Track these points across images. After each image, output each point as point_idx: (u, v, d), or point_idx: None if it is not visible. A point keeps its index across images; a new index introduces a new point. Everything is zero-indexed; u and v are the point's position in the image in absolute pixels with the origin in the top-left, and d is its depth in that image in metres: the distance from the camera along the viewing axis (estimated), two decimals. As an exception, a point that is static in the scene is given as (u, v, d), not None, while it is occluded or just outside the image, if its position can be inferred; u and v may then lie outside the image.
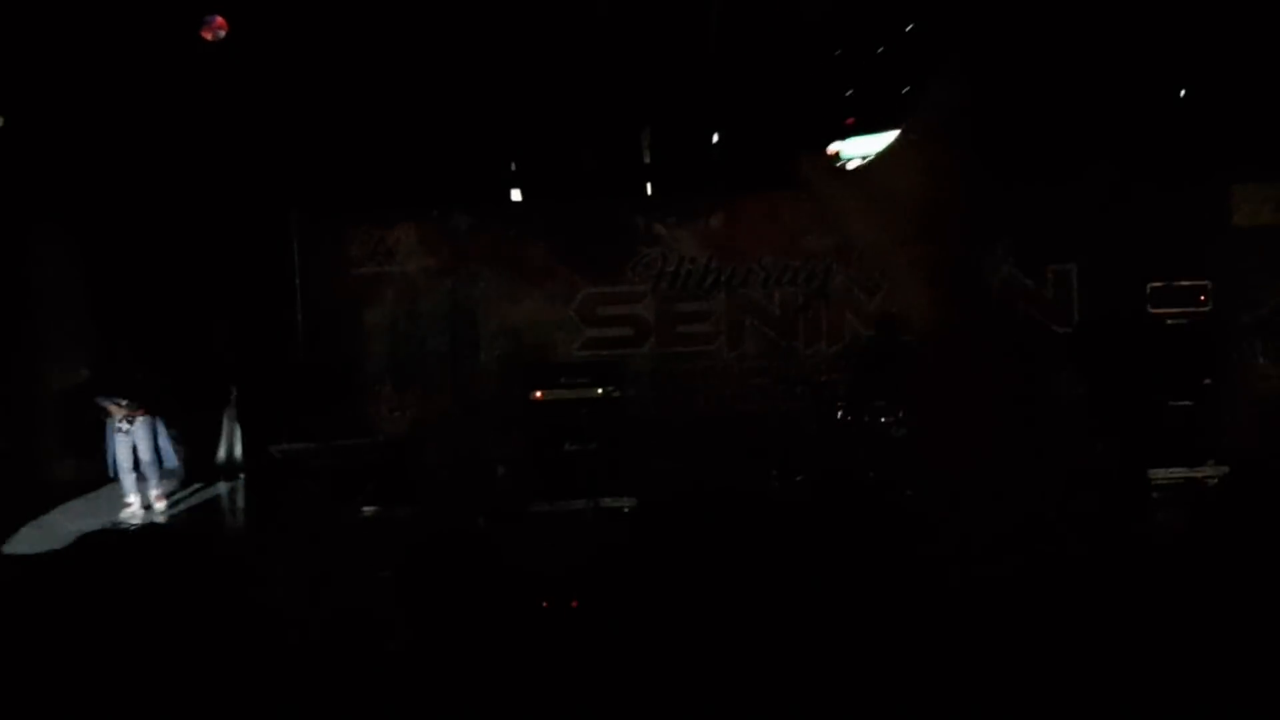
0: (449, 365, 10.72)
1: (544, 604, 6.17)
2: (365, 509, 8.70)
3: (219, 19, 7.30)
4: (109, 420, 9.24)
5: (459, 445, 10.40)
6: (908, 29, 8.29)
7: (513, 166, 10.61)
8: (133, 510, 9.22)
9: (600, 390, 9.30)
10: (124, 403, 9.11)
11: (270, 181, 10.19)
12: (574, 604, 6.22)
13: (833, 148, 8.07)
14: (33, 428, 9.90)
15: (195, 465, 10.25)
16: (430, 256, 10.82)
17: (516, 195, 10.69)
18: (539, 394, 9.33)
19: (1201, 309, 9.84)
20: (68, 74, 8.23)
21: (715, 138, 10.19)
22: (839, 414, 9.12)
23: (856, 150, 8.14)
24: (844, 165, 8.16)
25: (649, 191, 10.87)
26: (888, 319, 10.07)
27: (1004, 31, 8.52)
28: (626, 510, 9.01)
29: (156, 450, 9.36)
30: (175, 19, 7.67)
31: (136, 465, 9.26)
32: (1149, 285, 9.92)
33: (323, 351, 10.66)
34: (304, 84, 8.87)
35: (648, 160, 10.63)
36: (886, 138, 7.83)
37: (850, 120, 7.91)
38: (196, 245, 10.15)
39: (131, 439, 9.17)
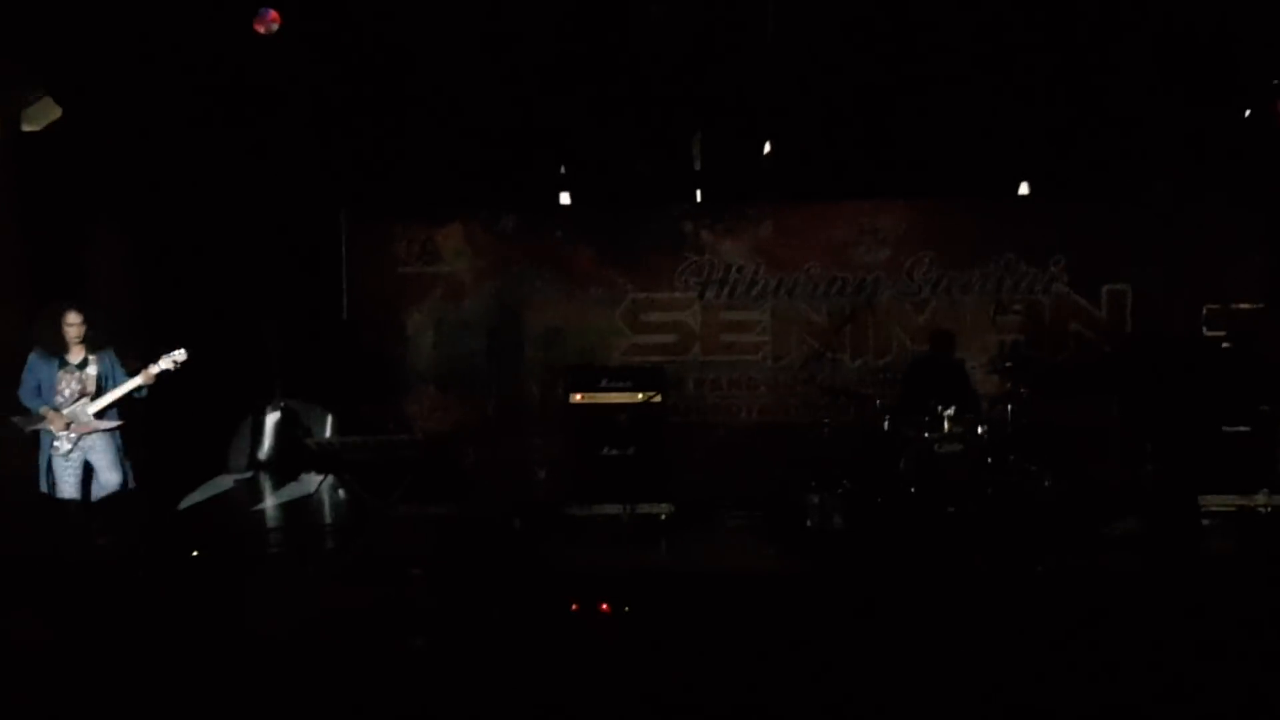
0: (492, 366, 10.71)
1: (574, 606, 6.17)
2: (401, 506, 8.70)
3: (272, 12, 7.37)
4: (42, 432, 7.20)
5: (498, 445, 10.40)
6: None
7: (562, 170, 10.60)
8: None
9: (641, 395, 9.25)
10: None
11: (320, 181, 10.27)
12: (604, 607, 6.21)
13: None
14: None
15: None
16: (476, 258, 10.83)
17: (565, 199, 10.66)
18: (579, 397, 9.29)
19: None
20: (122, 69, 8.34)
21: (767, 146, 10.12)
22: (884, 427, 9.01)
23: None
24: None
25: (698, 198, 10.80)
26: (938, 334, 9.96)
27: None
28: (663, 517, 8.94)
29: (122, 467, 7.35)
30: (229, 13, 7.75)
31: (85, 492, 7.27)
32: (1205, 308, 9.72)
33: (367, 349, 10.70)
34: (355, 84, 8.94)
35: (698, 167, 10.58)
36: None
37: None
38: (246, 244, 10.22)
39: (81, 458, 7.21)
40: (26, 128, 8.68)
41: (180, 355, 7.22)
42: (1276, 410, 9.46)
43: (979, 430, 8.82)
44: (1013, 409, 9.07)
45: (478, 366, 10.73)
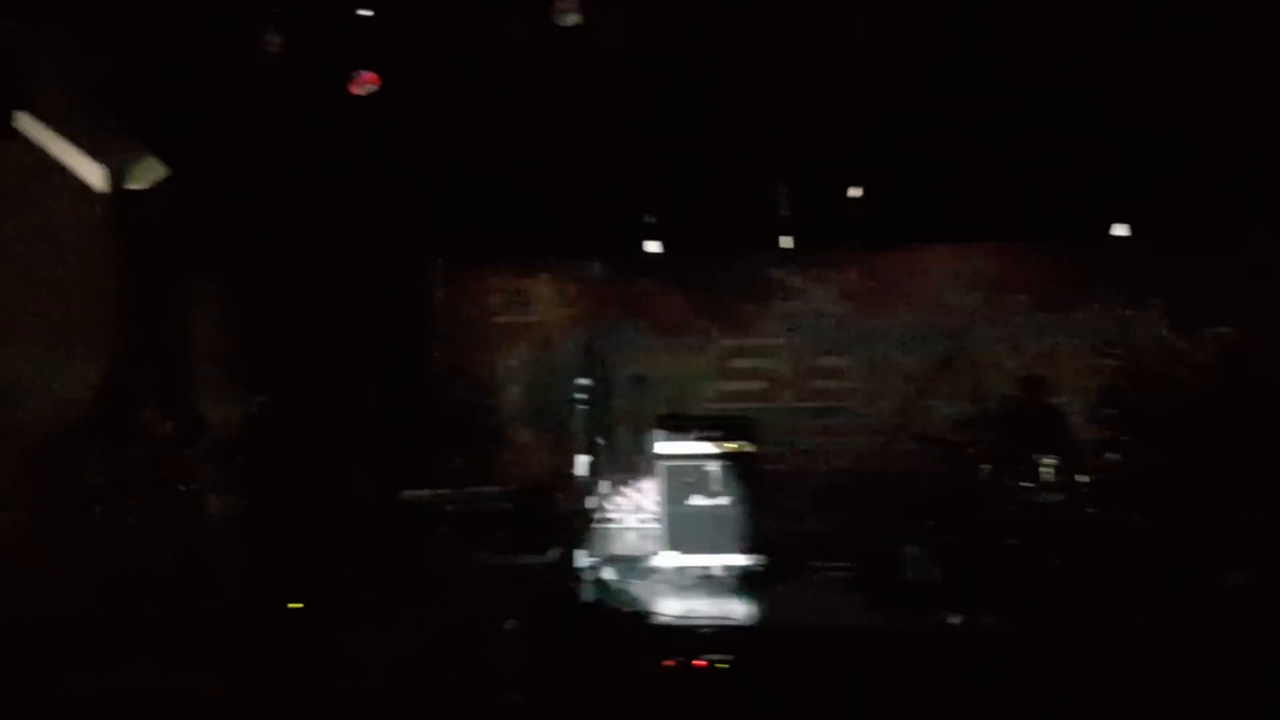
0: (582, 415, 10.72)
1: (666, 663, 6.10)
2: (495, 558, 8.69)
3: (368, 74, 7.51)
4: None
5: (589, 496, 10.37)
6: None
7: (650, 218, 10.64)
8: None
9: (732, 446, 9.17)
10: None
11: (415, 231, 10.43)
12: (697, 664, 6.13)
13: None
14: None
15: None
16: (566, 306, 10.90)
17: (654, 247, 10.68)
18: (668, 447, 9.23)
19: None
20: (227, 126, 8.58)
21: (855, 191, 10.05)
22: (982, 477, 8.80)
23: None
24: None
25: (787, 244, 10.75)
26: (1035, 380, 9.74)
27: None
28: (756, 570, 8.83)
29: None
30: (329, 71, 7.94)
31: None
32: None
33: (459, 399, 10.78)
34: (451, 133, 9.08)
35: (786, 213, 10.54)
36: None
37: None
38: (342, 296, 10.39)
39: None
40: (132, 185, 8.94)
41: None
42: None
43: (1080, 480, 8.57)
44: (1115, 458, 8.82)
45: (567, 416, 10.76)
